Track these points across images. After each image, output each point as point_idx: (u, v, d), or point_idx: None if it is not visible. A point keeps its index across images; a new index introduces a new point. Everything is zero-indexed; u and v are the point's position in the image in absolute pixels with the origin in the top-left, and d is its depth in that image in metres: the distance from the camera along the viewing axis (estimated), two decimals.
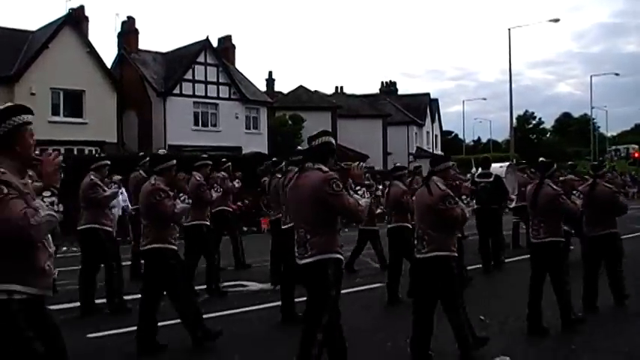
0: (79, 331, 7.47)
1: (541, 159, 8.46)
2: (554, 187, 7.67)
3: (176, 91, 35.90)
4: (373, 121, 51.96)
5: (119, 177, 9.63)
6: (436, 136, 66.80)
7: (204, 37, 38.00)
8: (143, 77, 35.92)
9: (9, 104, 3.93)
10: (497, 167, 13.82)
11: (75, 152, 29.62)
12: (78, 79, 30.95)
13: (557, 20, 41.82)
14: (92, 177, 8.97)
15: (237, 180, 12.56)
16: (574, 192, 8.07)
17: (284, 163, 10.03)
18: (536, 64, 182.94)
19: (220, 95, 37.72)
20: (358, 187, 5.43)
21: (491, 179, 12.57)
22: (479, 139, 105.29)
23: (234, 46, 42.31)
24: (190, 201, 7.38)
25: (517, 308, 8.25)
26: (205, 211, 10.07)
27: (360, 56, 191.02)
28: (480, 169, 13.31)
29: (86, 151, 29.79)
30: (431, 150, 58.14)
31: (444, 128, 76.66)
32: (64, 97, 31.40)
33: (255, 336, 7.69)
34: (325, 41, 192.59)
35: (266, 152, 35.45)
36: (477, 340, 6.34)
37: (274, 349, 7.05)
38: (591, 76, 78.32)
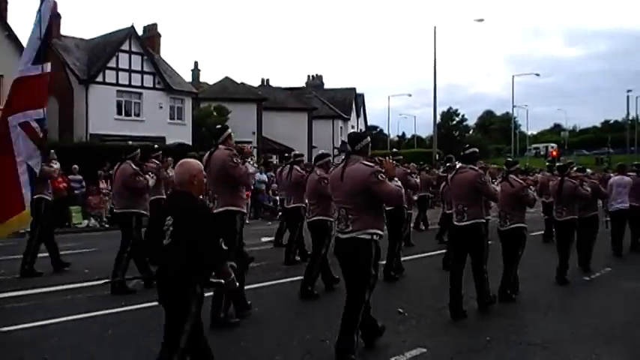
0: None
1: (470, 148, 8.86)
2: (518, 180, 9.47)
3: (99, 78, 35.22)
4: (299, 114, 52.12)
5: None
6: (361, 130, 67.49)
7: (130, 25, 37.43)
8: (65, 64, 35.06)
9: None
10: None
11: None
12: None
13: (481, 20, 43.22)
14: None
15: (170, 168, 12.51)
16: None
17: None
18: (461, 63, 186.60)
19: (144, 84, 37.21)
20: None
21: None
22: (403, 134, 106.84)
23: (159, 35, 41.76)
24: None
25: (436, 302, 8.60)
26: (140, 199, 9.93)
27: (286, 49, 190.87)
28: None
29: None
30: None
31: (369, 123, 77.55)
32: None
33: None
34: (252, 33, 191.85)
35: (190, 143, 35.27)
36: None
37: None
38: (513, 76, 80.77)
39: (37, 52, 7.12)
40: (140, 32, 38.84)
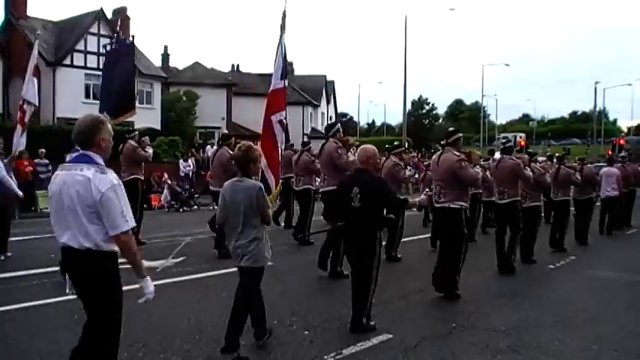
0: None
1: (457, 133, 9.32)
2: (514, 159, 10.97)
3: (67, 61, 34.73)
4: None
5: None
6: (331, 117, 67.37)
7: (99, 8, 36.93)
8: (32, 45, 34.52)
9: None
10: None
11: None
12: None
13: (453, 9, 43.78)
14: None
15: (148, 146, 13.38)
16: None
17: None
18: (432, 52, 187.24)
19: None
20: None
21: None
22: (373, 121, 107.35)
23: (128, 18, 41.25)
24: None
25: (401, 289, 8.69)
26: (140, 168, 12.92)
27: (257, 35, 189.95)
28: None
29: None
30: None
31: (339, 110, 77.53)
32: None
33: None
34: (223, 18, 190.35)
35: (159, 128, 35.00)
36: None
37: (156, 325, 7.15)
38: (483, 66, 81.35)
39: (282, 69, 9.32)
40: (109, 15, 38.35)
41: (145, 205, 23.21)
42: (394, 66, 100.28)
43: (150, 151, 13.40)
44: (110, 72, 13.43)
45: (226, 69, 55.05)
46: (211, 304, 7.86)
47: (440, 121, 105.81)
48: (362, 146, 7.38)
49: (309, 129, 55.63)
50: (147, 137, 13.69)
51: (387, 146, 12.92)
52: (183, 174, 27.50)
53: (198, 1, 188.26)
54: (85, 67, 35.41)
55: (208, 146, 32.13)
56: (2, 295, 8.07)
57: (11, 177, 11.36)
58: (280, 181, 9.20)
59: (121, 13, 40.35)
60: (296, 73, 64.36)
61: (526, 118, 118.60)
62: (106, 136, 4.34)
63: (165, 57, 50.43)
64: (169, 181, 25.92)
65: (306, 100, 57.01)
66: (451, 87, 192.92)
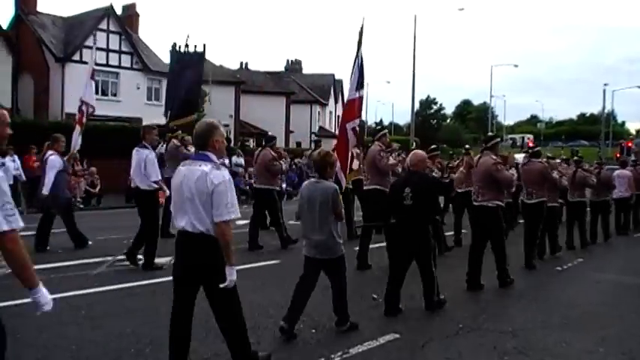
0: None
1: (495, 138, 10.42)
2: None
3: (76, 57, 34.77)
4: (277, 98, 51.89)
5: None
6: (339, 116, 67.36)
7: (108, 4, 37.02)
8: (41, 41, 34.64)
9: None
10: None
11: None
12: None
13: (462, 9, 43.69)
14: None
15: (190, 145, 13.28)
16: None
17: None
18: (441, 52, 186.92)
19: (122, 64, 36.89)
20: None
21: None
22: (381, 121, 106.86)
23: (138, 15, 41.42)
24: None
25: (408, 289, 8.67)
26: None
27: (266, 33, 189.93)
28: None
29: None
30: (333, 130, 58.68)
31: None
32: None
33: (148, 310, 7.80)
34: (232, 16, 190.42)
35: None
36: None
37: (163, 322, 7.16)
38: (492, 66, 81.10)
39: (358, 80, 9.79)
40: (119, 11, 38.48)
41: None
42: (402, 66, 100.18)
43: (192, 149, 13.54)
44: (177, 76, 14.43)
45: (235, 66, 55.11)
46: None
47: (447, 121, 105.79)
48: (414, 151, 8.49)
49: (317, 128, 55.60)
50: (189, 137, 13.86)
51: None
52: None
53: None
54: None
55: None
56: (10, 290, 8.06)
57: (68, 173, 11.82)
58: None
59: (130, 10, 40.56)
60: (305, 71, 64.38)
61: (534, 119, 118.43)
62: (219, 137, 5.10)
63: None
64: None
65: (314, 99, 57.00)
66: (459, 87, 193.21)
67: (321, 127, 57.13)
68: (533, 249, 11.56)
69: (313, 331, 6.78)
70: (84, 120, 13.03)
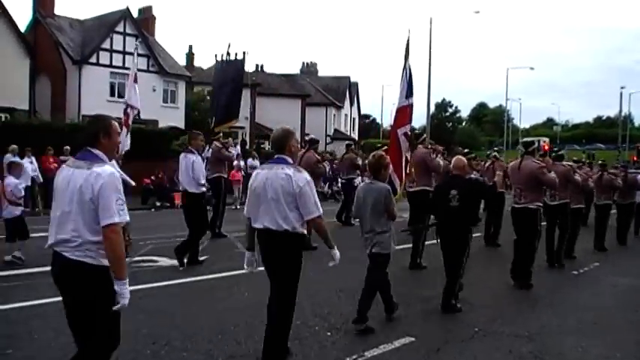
0: None
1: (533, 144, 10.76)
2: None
3: (92, 59, 35.07)
4: (292, 100, 52.01)
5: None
6: (354, 119, 67.44)
7: (125, 7, 37.20)
8: (58, 43, 34.89)
9: None
10: None
11: None
12: None
13: (478, 12, 43.48)
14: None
15: (232, 147, 14.77)
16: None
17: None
18: (456, 54, 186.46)
19: (138, 67, 36.94)
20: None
21: None
22: None
23: (154, 18, 41.57)
24: None
25: (424, 292, 8.68)
26: (224, 167, 14.17)
27: (281, 35, 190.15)
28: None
29: None
30: (348, 133, 58.73)
31: (362, 112, 77.45)
32: None
33: (162, 311, 7.83)
34: (247, 18, 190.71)
35: (183, 127, 35.16)
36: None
37: (179, 324, 7.20)
38: (508, 69, 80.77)
39: (407, 89, 10.76)
40: (135, 14, 38.68)
41: (167, 204, 23.54)
42: (418, 68, 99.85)
43: (233, 151, 14.73)
44: (220, 84, 15.64)
45: (250, 69, 55.19)
46: (235, 304, 7.88)
47: (463, 124, 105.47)
48: (456, 156, 8.78)
49: (332, 130, 55.63)
50: (230, 139, 15.10)
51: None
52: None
53: (223, 1, 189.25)
54: (110, 66, 35.73)
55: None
56: (30, 290, 8.16)
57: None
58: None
59: (146, 12, 40.76)
60: (320, 74, 64.44)
61: (550, 122, 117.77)
62: (294, 142, 5.68)
63: (190, 56, 50.76)
64: None
65: (329, 102, 57.05)
66: (475, 90, 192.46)
67: (336, 130, 57.17)
68: (563, 247, 12.16)
69: (329, 333, 6.78)
70: (129, 122, 13.50)
